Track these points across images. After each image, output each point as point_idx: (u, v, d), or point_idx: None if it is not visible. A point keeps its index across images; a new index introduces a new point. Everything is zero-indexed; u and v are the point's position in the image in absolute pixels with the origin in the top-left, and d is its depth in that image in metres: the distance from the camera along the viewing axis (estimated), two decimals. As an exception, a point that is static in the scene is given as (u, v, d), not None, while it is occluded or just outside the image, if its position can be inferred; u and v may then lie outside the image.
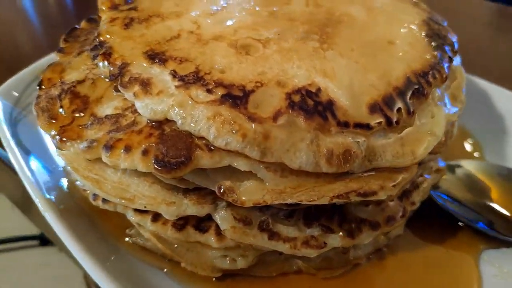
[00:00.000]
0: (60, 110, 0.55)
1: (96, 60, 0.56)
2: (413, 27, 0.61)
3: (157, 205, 0.52)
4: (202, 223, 0.54)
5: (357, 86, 0.51)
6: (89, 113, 0.53)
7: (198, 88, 0.47)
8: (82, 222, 0.60)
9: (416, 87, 0.52)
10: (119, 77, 0.51)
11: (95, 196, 0.59)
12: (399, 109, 0.50)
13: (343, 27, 0.58)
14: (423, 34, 0.60)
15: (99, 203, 0.59)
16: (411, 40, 0.58)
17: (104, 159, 0.48)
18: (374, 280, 0.59)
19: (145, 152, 0.46)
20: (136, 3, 0.64)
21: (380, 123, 0.48)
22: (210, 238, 0.53)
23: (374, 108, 0.49)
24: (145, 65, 0.51)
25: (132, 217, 0.56)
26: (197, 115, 0.46)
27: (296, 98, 0.48)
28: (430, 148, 0.51)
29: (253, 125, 0.45)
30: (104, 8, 0.64)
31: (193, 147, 0.46)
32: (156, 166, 0.45)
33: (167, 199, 0.52)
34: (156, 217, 0.55)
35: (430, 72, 0.55)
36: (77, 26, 0.70)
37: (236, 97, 0.47)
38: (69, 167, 0.58)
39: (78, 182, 0.64)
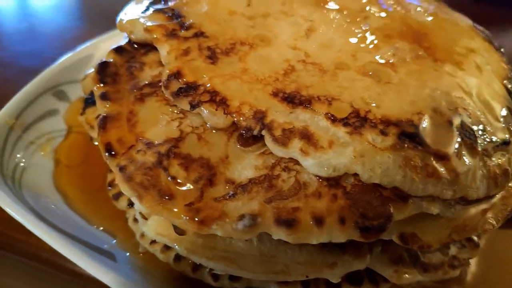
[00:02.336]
0: (172, 181, 0.42)
1: (197, 109, 0.44)
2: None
3: (319, 271, 0.45)
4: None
5: (486, 99, 0.50)
6: (222, 180, 0.42)
7: (370, 132, 0.41)
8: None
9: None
10: (267, 130, 0.41)
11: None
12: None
13: (431, 36, 0.57)
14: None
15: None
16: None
17: (284, 237, 0.38)
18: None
19: (342, 221, 0.39)
20: (196, 27, 0.52)
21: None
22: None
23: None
24: (285, 110, 0.42)
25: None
26: (386, 164, 0.40)
27: (458, 125, 0.45)
28: None
29: (441, 164, 0.41)
30: (157, 36, 0.51)
31: (386, 201, 0.40)
32: (361, 234, 0.38)
33: (327, 260, 0.45)
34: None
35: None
36: (106, 60, 0.54)
37: (412, 135, 0.42)
38: (180, 250, 0.45)
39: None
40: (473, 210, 0.46)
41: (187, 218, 0.40)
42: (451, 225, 0.45)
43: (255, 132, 0.41)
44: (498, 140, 0.47)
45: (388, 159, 0.40)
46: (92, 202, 0.62)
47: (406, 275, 0.48)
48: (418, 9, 0.62)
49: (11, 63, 0.99)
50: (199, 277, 0.49)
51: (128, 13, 0.57)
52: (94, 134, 0.51)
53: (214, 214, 0.40)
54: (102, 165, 0.67)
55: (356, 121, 0.42)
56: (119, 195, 0.57)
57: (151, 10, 0.56)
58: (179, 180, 0.42)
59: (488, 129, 0.47)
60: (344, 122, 0.41)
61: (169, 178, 0.42)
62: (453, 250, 0.53)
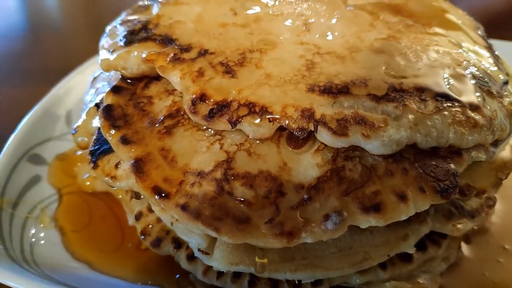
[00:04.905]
0: (242, 204, 0.40)
1: (238, 126, 0.42)
2: None
3: (397, 246, 0.46)
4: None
5: (475, 49, 0.55)
6: (291, 187, 0.41)
7: (413, 102, 0.43)
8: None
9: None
10: (322, 125, 0.40)
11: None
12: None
13: (405, 7, 0.60)
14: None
15: None
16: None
17: (375, 222, 0.39)
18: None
19: (422, 189, 0.40)
20: (197, 46, 0.50)
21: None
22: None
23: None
24: (328, 102, 0.42)
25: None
26: (438, 126, 0.42)
27: (471, 76, 0.48)
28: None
29: (477, 113, 0.44)
30: (162, 64, 0.48)
31: (447, 160, 0.42)
32: (441, 196, 0.40)
33: (399, 235, 0.46)
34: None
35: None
36: (107, 104, 0.49)
37: (445, 94, 0.44)
38: (257, 272, 0.43)
39: None
40: (507, 149, 0.50)
41: (273, 236, 0.38)
42: (493, 167, 0.48)
43: (310, 130, 0.41)
44: (501, 81, 0.51)
45: (438, 121, 0.42)
46: (119, 259, 0.57)
47: (461, 225, 0.51)
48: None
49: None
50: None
51: (109, 51, 0.53)
52: (121, 184, 0.46)
53: (298, 223, 0.39)
54: (110, 219, 0.63)
55: (396, 94, 0.43)
56: (159, 241, 0.52)
57: (135, 42, 0.53)
58: (249, 201, 0.40)
59: (491, 74, 0.51)
60: (387, 98, 0.43)
61: (237, 202, 0.40)
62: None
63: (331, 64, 0.47)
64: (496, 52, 0.59)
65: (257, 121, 0.42)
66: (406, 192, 0.39)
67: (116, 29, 0.58)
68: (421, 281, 0.50)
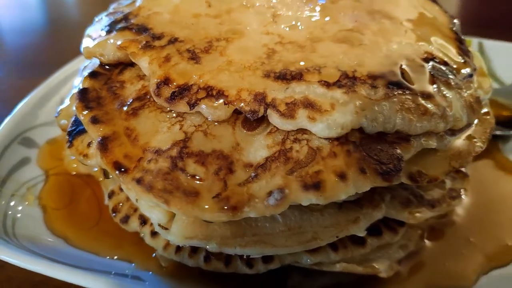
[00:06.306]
0: (193, 179, 0.42)
1: (196, 108, 0.45)
2: None
3: (346, 229, 0.47)
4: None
5: (442, 42, 0.56)
6: (240, 165, 0.43)
7: (363, 87, 0.45)
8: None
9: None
10: (271, 108, 0.43)
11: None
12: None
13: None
14: None
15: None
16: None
17: (315, 199, 0.41)
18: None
19: (362, 170, 0.41)
20: (168, 35, 0.53)
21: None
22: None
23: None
24: (281, 87, 0.45)
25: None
26: (385, 112, 0.43)
27: (430, 68, 0.50)
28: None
29: (429, 101, 0.46)
30: (133, 50, 0.51)
31: (393, 145, 0.44)
32: (382, 178, 0.41)
33: (350, 218, 0.48)
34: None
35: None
36: (83, 88, 0.53)
37: (398, 82, 0.46)
38: (211, 246, 0.46)
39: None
40: (463, 137, 0.51)
41: (219, 209, 0.41)
42: (448, 155, 0.49)
43: (261, 113, 0.43)
44: (464, 73, 0.52)
45: (385, 107, 0.44)
46: (95, 236, 0.60)
47: (419, 214, 0.52)
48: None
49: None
50: (233, 270, 0.50)
51: (92, 39, 0.57)
52: (91, 162, 0.50)
53: (243, 198, 0.41)
54: (91, 199, 0.66)
55: (348, 81, 0.45)
56: (127, 217, 0.55)
57: (114, 30, 0.56)
58: (199, 177, 0.42)
59: (454, 66, 0.52)
60: (338, 84, 0.45)
61: (189, 177, 0.42)
62: (448, 183, 0.58)
63: (291, 53, 0.49)
64: (468, 48, 0.60)
65: (214, 103, 0.45)
66: (347, 173, 0.41)
67: (102, 20, 0.62)
68: (376, 266, 0.52)
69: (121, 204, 0.57)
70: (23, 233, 0.58)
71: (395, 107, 0.44)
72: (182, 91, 0.46)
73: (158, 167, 0.43)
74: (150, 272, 0.54)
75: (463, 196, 0.67)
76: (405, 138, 0.45)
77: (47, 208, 0.64)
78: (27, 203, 0.64)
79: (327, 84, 0.45)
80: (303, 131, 0.44)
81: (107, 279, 0.49)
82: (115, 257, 0.56)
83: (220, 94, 0.45)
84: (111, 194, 0.59)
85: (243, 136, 0.45)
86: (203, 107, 0.45)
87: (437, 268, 0.56)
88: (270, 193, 0.41)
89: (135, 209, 0.55)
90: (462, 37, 0.60)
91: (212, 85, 0.46)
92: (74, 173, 0.69)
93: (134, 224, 0.55)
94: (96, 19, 0.64)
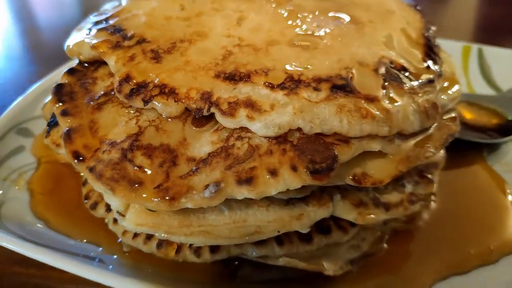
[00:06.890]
0: (139, 170, 0.46)
1: (150, 104, 0.48)
2: None
3: (289, 225, 0.49)
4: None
5: (407, 48, 0.56)
6: (184, 159, 0.46)
7: (305, 90, 0.46)
8: None
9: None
10: (214, 107, 0.45)
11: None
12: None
13: (350, 7, 0.63)
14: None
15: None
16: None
17: (247, 194, 0.43)
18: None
19: (294, 168, 0.43)
20: (138, 36, 0.56)
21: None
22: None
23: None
24: (228, 88, 0.47)
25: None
26: (323, 114, 0.45)
27: (383, 72, 0.51)
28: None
29: (373, 105, 0.47)
30: (103, 50, 0.55)
31: (330, 146, 0.45)
32: (312, 177, 0.43)
33: (293, 214, 0.50)
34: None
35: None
36: (61, 82, 0.57)
37: (343, 86, 0.47)
38: (159, 234, 0.49)
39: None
40: (413, 142, 0.52)
41: (158, 199, 0.44)
42: (396, 159, 0.50)
43: (205, 111, 0.46)
44: (423, 79, 0.53)
45: (324, 109, 0.45)
46: (72, 220, 0.65)
47: (371, 215, 0.53)
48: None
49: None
50: (182, 258, 0.52)
51: (74, 38, 0.62)
52: (62, 151, 0.54)
53: (182, 190, 0.44)
54: (75, 187, 0.71)
55: (292, 84, 0.47)
56: (95, 204, 0.60)
57: (94, 31, 0.60)
58: (145, 168, 0.46)
59: (412, 71, 0.53)
60: (281, 86, 0.47)
61: (135, 168, 0.46)
62: (409, 188, 0.59)
63: (246, 55, 0.52)
64: (440, 52, 0.60)
65: (165, 100, 0.48)
66: (278, 170, 0.43)
67: (89, 20, 0.67)
68: (324, 264, 0.53)
69: (92, 191, 0.61)
70: (9, 214, 0.64)
71: (334, 109, 0.45)
72: (140, 88, 0.49)
73: (109, 157, 0.47)
74: (115, 256, 0.58)
75: (432, 202, 0.67)
76: (345, 140, 0.46)
77: (34, 192, 0.69)
78: (17, 187, 0.69)
79: (271, 86, 0.47)
80: (246, 129, 0.46)
81: (74, 260, 0.53)
82: (85, 240, 0.60)
83: (172, 92, 0.48)
84: (84, 182, 0.63)
85: (191, 132, 0.48)
86: (155, 103, 0.48)
87: (391, 271, 0.57)
88: (207, 186, 0.44)
89: (103, 197, 0.59)
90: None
91: (166, 83, 0.49)
92: (63, 161, 0.74)
93: (101, 211, 0.59)
94: (86, 19, 0.69)
